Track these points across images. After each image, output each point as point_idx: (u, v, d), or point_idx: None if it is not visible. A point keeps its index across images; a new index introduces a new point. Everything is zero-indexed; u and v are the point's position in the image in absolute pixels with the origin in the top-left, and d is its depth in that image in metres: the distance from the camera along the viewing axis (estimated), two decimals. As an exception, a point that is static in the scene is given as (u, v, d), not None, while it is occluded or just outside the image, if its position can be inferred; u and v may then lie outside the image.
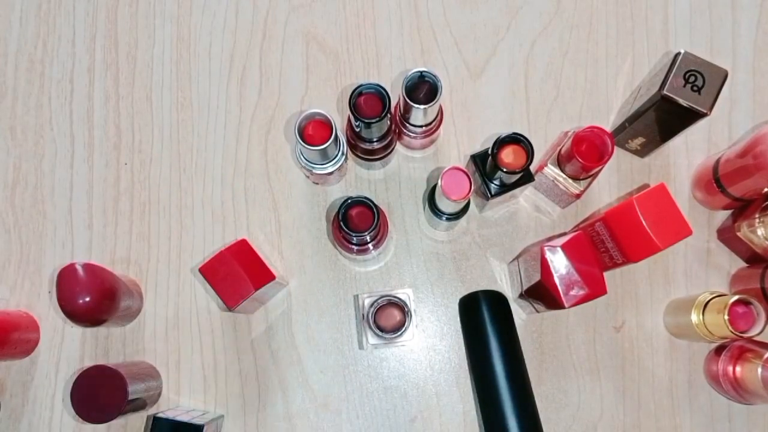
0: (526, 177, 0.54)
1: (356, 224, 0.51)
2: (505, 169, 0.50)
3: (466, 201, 0.53)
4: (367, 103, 0.51)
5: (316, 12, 0.63)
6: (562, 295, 0.48)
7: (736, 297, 0.51)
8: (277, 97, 0.62)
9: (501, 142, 0.51)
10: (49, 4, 0.64)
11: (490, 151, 0.51)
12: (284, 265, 0.59)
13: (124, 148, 0.61)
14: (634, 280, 0.58)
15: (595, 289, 0.48)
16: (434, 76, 0.50)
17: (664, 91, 0.49)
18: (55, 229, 0.60)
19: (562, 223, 0.59)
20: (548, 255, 0.49)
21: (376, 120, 0.50)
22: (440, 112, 0.56)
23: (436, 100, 0.50)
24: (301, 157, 0.55)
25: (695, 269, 0.59)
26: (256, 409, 0.57)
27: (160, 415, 0.52)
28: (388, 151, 0.58)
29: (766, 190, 0.53)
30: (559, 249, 0.49)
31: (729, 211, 0.59)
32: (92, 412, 0.51)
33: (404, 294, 0.55)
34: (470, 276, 0.59)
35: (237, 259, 0.51)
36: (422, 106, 0.50)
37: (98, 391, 0.51)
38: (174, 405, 0.57)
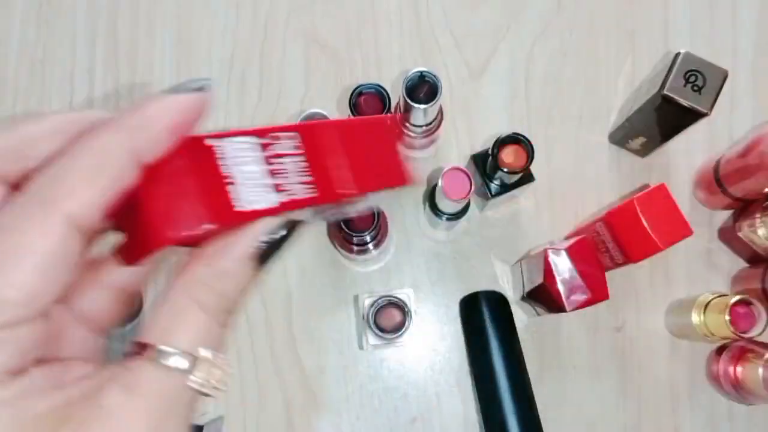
0: (526, 177, 0.54)
1: (356, 225, 0.51)
2: (505, 169, 0.50)
3: (467, 201, 0.53)
4: (368, 103, 0.51)
5: (317, 12, 0.63)
6: (564, 299, 0.48)
7: (737, 297, 0.50)
8: (278, 98, 0.62)
9: (501, 142, 0.51)
10: (50, 4, 0.64)
11: (490, 151, 0.51)
12: (284, 264, 0.59)
13: (124, 148, 0.61)
14: (635, 281, 0.58)
15: (598, 294, 0.48)
16: (434, 76, 0.50)
17: (665, 91, 0.49)
18: (55, 229, 0.60)
19: (562, 223, 0.59)
20: (551, 257, 0.49)
21: (377, 120, 0.50)
22: (440, 112, 0.56)
23: (436, 100, 0.50)
24: (302, 157, 0.54)
25: (696, 269, 0.58)
26: (255, 410, 0.57)
27: (160, 415, 0.52)
28: (389, 151, 0.58)
29: (766, 190, 0.53)
30: (563, 252, 0.49)
31: (730, 211, 0.59)
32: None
33: (404, 294, 0.55)
34: (471, 276, 0.59)
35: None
36: (422, 106, 0.50)
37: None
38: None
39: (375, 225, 0.50)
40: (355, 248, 0.54)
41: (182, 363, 0.21)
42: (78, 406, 0.20)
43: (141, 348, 0.22)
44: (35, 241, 0.19)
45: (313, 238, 0.59)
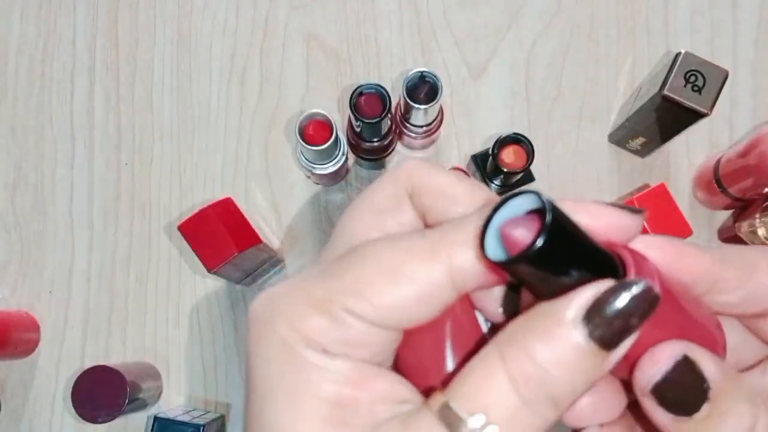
0: (526, 177, 0.54)
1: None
2: (505, 169, 0.50)
3: (467, 201, 0.53)
4: (368, 103, 0.51)
5: (317, 12, 0.63)
6: None
7: None
8: (278, 97, 0.62)
9: (502, 142, 0.51)
10: (50, 4, 0.64)
11: (490, 151, 0.51)
12: (283, 264, 0.59)
13: (124, 148, 0.61)
14: (635, 280, 0.58)
15: None
16: (435, 76, 0.50)
17: (665, 91, 0.49)
18: (55, 229, 0.60)
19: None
20: None
21: (377, 120, 0.50)
22: (441, 112, 0.56)
23: (436, 100, 0.50)
24: (302, 157, 0.55)
25: (696, 269, 0.58)
26: (256, 409, 0.57)
27: (161, 415, 0.52)
28: (389, 151, 0.58)
29: (766, 190, 0.53)
30: None
31: (730, 211, 0.59)
32: (93, 412, 0.51)
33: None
34: (471, 276, 0.59)
35: (220, 218, 0.49)
36: (423, 106, 0.50)
37: (99, 391, 0.51)
38: (174, 405, 0.57)
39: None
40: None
41: None
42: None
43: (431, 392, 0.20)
44: (417, 270, 0.19)
45: (313, 238, 0.59)
